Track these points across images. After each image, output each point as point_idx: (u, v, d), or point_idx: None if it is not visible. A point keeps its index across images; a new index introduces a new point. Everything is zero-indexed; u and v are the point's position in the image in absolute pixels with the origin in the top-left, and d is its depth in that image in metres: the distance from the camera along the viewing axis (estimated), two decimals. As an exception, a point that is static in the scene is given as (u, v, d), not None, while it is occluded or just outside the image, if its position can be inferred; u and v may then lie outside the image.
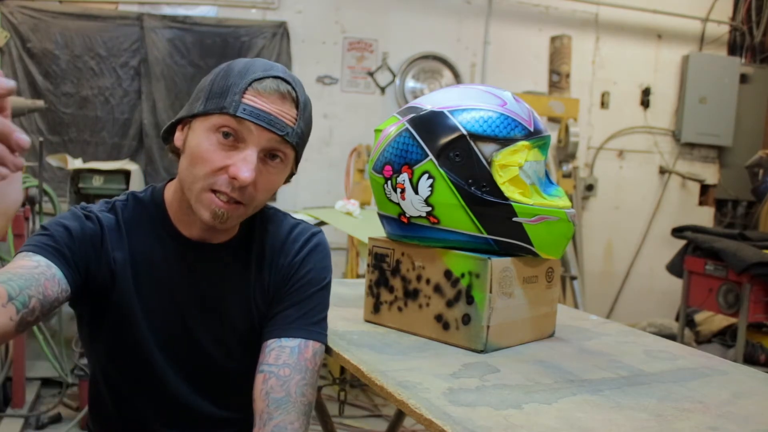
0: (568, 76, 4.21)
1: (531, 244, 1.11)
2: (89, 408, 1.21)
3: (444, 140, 1.09)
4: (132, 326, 1.07)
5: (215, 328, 1.10)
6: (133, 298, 1.06)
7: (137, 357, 1.08)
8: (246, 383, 1.06)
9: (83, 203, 1.11)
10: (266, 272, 1.12)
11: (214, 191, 0.99)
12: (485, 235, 1.10)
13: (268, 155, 1.01)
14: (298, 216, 1.24)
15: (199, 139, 0.99)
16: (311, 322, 1.08)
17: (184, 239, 1.09)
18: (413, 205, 1.13)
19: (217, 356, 1.11)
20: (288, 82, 1.00)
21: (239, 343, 1.12)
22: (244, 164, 0.97)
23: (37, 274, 0.92)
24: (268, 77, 0.99)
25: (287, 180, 1.11)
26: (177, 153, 1.07)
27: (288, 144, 1.01)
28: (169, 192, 1.10)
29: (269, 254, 1.12)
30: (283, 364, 1.02)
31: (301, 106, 1.02)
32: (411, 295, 1.19)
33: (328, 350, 1.13)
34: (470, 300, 1.10)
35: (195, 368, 1.11)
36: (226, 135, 0.98)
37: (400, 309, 1.21)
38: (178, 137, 1.05)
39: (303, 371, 1.03)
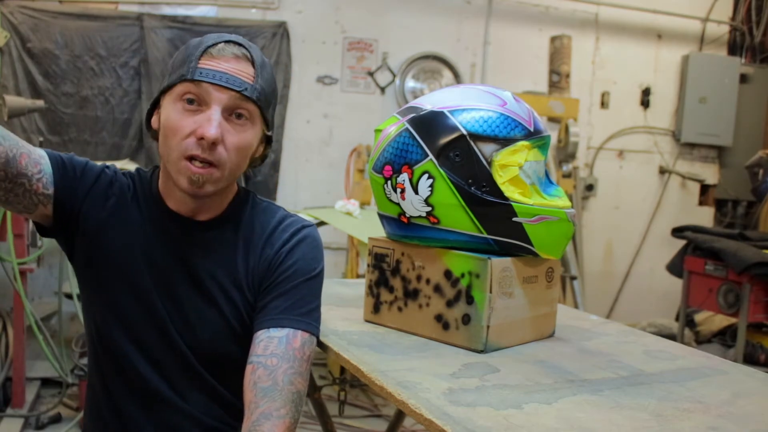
0: (568, 76, 4.21)
1: (531, 244, 1.11)
2: (88, 385, 1.21)
3: (444, 140, 1.09)
4: (125, 289, 1.10)
5: (201, 305, 1.11)
6: (124, 261, 1.10)
7: (139, 310, 1.10)
8: (238, 373, 1.06)
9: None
10: (252, 258, 1.13)
11: (189, 158, 1.02)
12: (485, 235, 1.10)
13: (232, 114, 1.04)
14: (299, 215, 1.25)
15: (168, 112, 1.05)
16: (300, 312, 1.08)
17: (171, 213, 1.12)
18: (413, 205, 1.13)
19: (205, 338, 1.12)
20: (241, 45, 1.06)
21: (224, 324, 1.12)
22: (208, 122, 1.01)
23: (22, 145, 1.00)
24: (220, 42, 1.05)
25: (266, 151, 1.15)
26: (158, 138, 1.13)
27: (249, 101, 1.04)
28: (161, 174, 1.15)
29: (257, 241, 1.14)
30: (271, 354, 1.03)
31: (258, 65, 1.06)
32: (411, 295, 1.19)
33: (323, 347, 1.13)
34: (470, 300, 1.10)
35: (188, 341, 1.11)
36: (190, 101, 1.02)
37: (400, 309, 1.21)
38: (154, 121, 1.11)
39: (291, 360, 1.03)
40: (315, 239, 1.16)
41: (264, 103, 1.07)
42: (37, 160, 1.03)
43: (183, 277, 1.11)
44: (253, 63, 1.05)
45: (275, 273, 1.11)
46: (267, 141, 1.14)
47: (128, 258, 1.10)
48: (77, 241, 1.11)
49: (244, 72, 1.04)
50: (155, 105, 1.10)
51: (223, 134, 1.02)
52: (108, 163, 1.18)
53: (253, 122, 1.07)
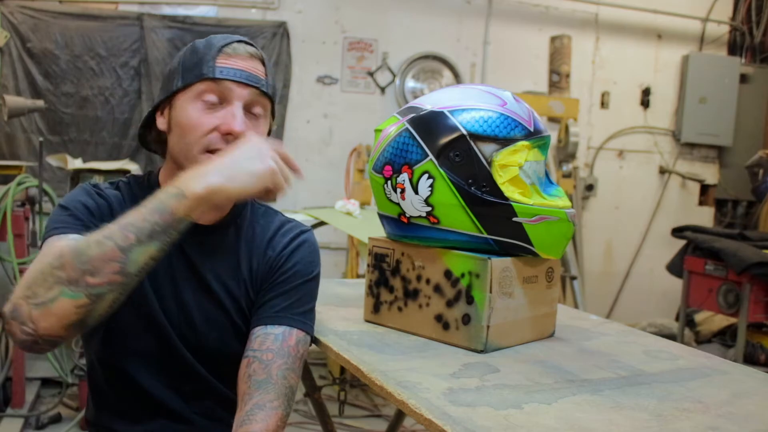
0: (568, 76, 4.20)
1: (531, 244, 1.11)
2: (89, 389, 1.20)
3: (444, 140, 1.09)
4: (125, 309, 1.07)
5: (207, 306, 1.12)
6: None
7: (138, 322, 1.10)
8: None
9: (91, 181, 1.15)
10: (254, 261, 1.16)
11: (210, 151, 1.04)
12: (485, 235, 1.10)
13: (250, 110, 1.09)
14: (298, 216, 1.26)
15: (184, 110, 1.06)
16: (297, 312, 1.12)
17: None
18: (413, 205, 1.13)
19: (210, 339, 1.13)
20: (250, 44, 1.11)
21: (229, 323, 1.13)
22: (234, 118, 1.05)
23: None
24: (232, 41, 1.09)
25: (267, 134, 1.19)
26: (160, 143, 1.14)
27: (265, 96, 1.10)
28: (163, 174, 1.15)
29: (259, 244, 1.17)
30: (267, 349, 1.06)
31: (266, 62, 1.12)
32: (411, 295, 1.19)
33: (316, 342, 1.15)
34: (470, 300, 1.10)
35: (192, 344, 1.12)
36: (212, 99, 1.05)
37: (400, 309, 1.21)
38: (161, 122, 1.12)
39: (285, 356, 1.06)
40: (313, 244, 1.20)
41: (274, 97, 1.14)
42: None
43: (189, 280, 1.12)
44: (262, 61, 1.11)
45: (276, 273, 1.15)
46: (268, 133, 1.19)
47: None
48: None
49: (258, 69, 1.09)
50: (155, 111, 1.11)
51: (246, 127, 1.06)
52: (91, 182, 1.17)
53: (265, 117, 1.12)
